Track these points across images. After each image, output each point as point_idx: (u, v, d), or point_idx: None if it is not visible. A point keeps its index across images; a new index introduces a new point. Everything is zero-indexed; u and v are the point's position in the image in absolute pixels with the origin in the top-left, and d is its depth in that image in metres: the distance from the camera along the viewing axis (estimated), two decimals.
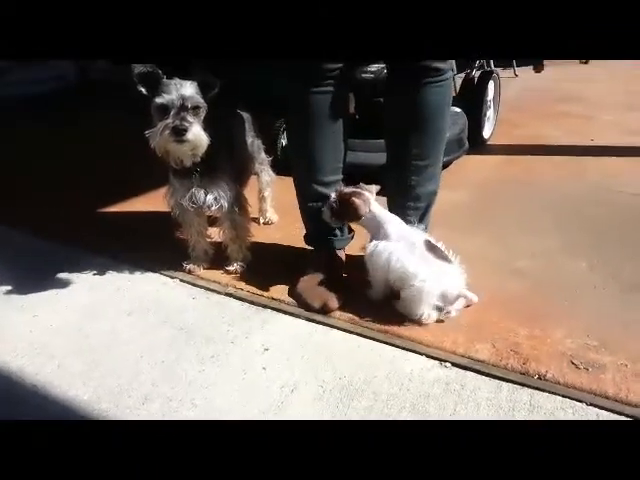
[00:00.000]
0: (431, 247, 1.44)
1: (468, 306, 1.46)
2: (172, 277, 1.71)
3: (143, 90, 1.44)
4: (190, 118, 1.42)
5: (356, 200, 1.47)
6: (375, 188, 1.55)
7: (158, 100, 1.41)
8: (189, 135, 1.41)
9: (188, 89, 1.44)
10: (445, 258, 1.44)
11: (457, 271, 1.44)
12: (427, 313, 1.40)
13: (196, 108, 1.44)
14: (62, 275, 1.73)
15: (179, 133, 1.40)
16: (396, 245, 1.44)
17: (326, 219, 1.54)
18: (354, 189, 1.51)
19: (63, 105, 4.23)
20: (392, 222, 1.49)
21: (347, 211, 1.50)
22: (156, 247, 1.87)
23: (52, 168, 2.80)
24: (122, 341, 1.42)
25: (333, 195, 1.52)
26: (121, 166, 2.79)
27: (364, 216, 1.49)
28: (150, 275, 1.73)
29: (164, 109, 1.41)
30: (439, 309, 1.42)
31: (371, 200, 1.50)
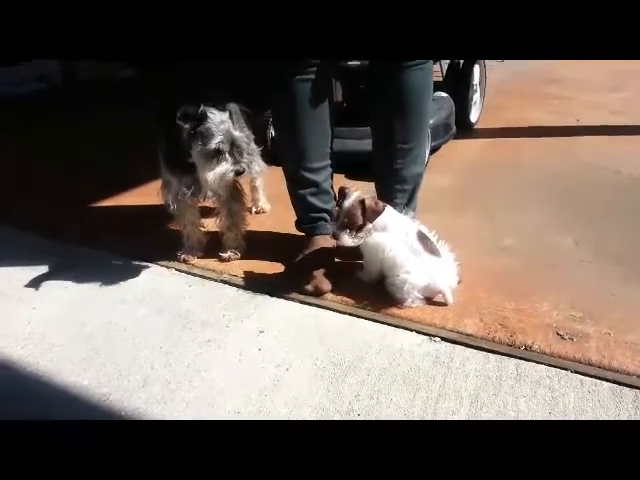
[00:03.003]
0: (422, 238, 1.45)
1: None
2: (167, 267, 1.74)
3: (186, 126, 1.49)
4: (244, 157, 1.59)
5: (357, 213, 1.42)
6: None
7: (211, 146, 1.49)
8: (247, 170, 1.61)
9: (229, 125, 1.52)
10: (434, 251, 1.45)
11: (446, 263, 1.46)
12: (410, 299, 1.44)
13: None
14: (59, 269, 1.75)
15: (240, 174, 1.56)
16: (391, 236, 1.45)
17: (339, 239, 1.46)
18: (351, 202, 1.43)
19: (50, 104, 4.23)
20: (387, 211, 1.47)
21: (355, 223, 1.43)
22: (150, 239, 1.90)
23: (45, 166, 2.81)
24: (119, 329, 1.46)
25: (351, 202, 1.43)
26: (112, 162, 2.80)
27: (372, 223, 1.44)
28: (145, 265, 1.75)
29: (217, 152, 1.50)
30: (423, 297, 1.45)
31: (373, 203, 1.44)
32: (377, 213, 1.44)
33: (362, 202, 1.42)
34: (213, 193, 1.66)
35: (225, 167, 1.53)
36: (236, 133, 1.56)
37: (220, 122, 1.51)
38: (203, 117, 1.49)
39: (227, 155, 1.53)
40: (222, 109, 1.56)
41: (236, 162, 1.55)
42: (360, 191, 1.47)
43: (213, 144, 1.50)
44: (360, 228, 1.44)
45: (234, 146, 1.55)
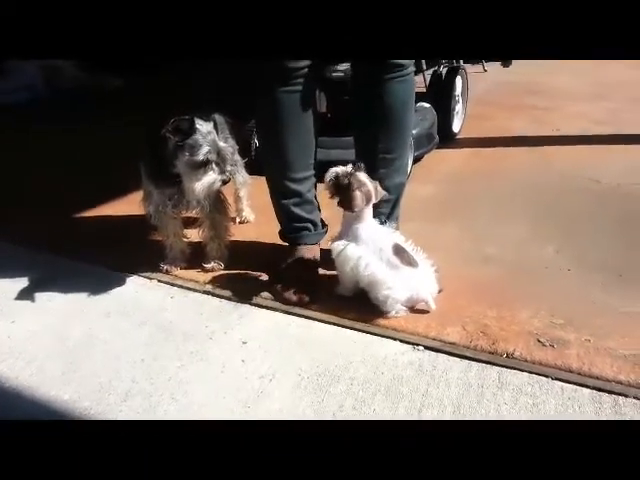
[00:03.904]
0: (398, 251, 1.44)
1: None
2: (150, 278, 1.73)
3: (175, 139, 1.50)
4: (229, 167, 1.60)
5: (358, 193, 1.42)
6: (381, 193, 1.50)
7: (199, 157, 1.50)
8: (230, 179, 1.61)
9: (214, 136, 1.53)
10: (412, 262, 1.44)
11: (425, 272, 1.46)
12: (395, 311, 1.44)
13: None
14: (40, 281, 1.73)
15: (225, 183, 1.58)
16: (364, 250, 1.44)
17: (326, 187, 1.49)
18: (363, 180, 1.45)
19: (34, 113, 4.20)
20: (366, 223, 1.48)
21: (344, 197, 1.45)
22: (133, 250, 1.89)
23: (26, 174, 2.79)
24: (101, 342, 1.44)
25: (347, 169, 1.46)
26: (96, 172, 2.79)
27: (356, 211, 1.45)
28: (127, 277, 1.74)
29: (204, 163, 1.51)
30: (406, 308, 1.46)
31: (372, 197, 1.47)
32: (354, 198, 1.43)
33: (358, 187, 1.43)
34: (197, 203, 1.66)
35: (213, 177, 1.53)
36: (221, 143, 1.57)
37: (207, 133, 1.52)
38: (192, 129, 1.50)
39: (214, 165, 1.53)
40: (207, 119, 1.56)
41: (222, 172, 1.55)
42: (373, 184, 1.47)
43: (201, 155, 1.50)
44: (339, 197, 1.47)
45: (219, 156, 1.55)
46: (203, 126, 1.53)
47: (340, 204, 1.47)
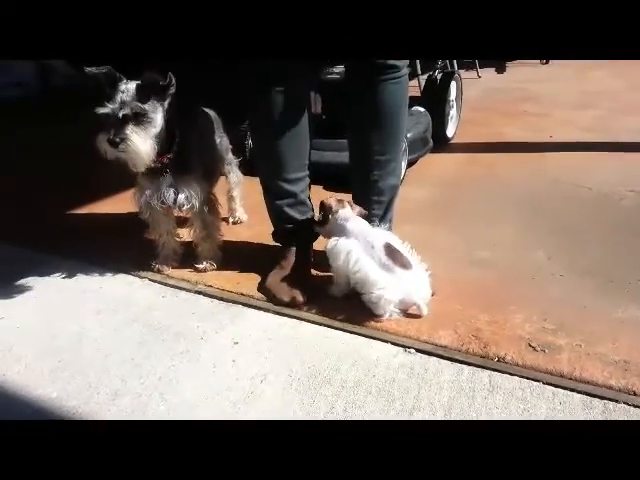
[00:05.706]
0: (391, 252, 1.44)
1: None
2: (141, 277, 1.72)
3: (105, 84, 1.43)
4: (127, 129, 1.41)
5: (325, 202, 1.55)
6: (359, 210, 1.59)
7: (100, 110, 1.41)
8: (123, 146, 1.41)
9: (130, 95, 1.42)
10: (405, 264, 1.44)
11: (418, 275, 1.45)
12: (388, 314, 1.43)
13: (138, 115, 1.43)
14: (30, 278, 1.72)
15: (115, 145, 1.40)
16: (354, 243, 1.46)
17: (317, 231, 1.64)
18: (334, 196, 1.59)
19: (26, 110, 4.17)
20: (352, 220, 1.51)
21: (325, 214, 1.55)
22: (125, 248, 1.87)
23: (19, 171, 2.77)
24: (90, 340, 1.43)
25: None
26: (89, 168, 2.76)
27: (335, 214, 1.53)
28: (119, 276, 1.73)
29: (107, 118, 1.41)
30: (399, 310, 1.45)
31: (346, 205, 1.54)
32: (327, 209, 1.55)
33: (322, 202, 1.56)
34: (186, 200, 1.62)
35: (103, 135, 1.41)
36: (127, 99, 1.41)
37: (122, 90, 1.42)
38: (113, 80, 1.43)
39: (112, 123, 1.41)
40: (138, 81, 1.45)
41: (115, 134, 1.40)
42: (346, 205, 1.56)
43: (102, 109, 1.41)
44: (320, 223, 1.60)
45: (126, 119, 1.41)
46: (124, 84, 1.43)
47: (324, 220, 1.57)
